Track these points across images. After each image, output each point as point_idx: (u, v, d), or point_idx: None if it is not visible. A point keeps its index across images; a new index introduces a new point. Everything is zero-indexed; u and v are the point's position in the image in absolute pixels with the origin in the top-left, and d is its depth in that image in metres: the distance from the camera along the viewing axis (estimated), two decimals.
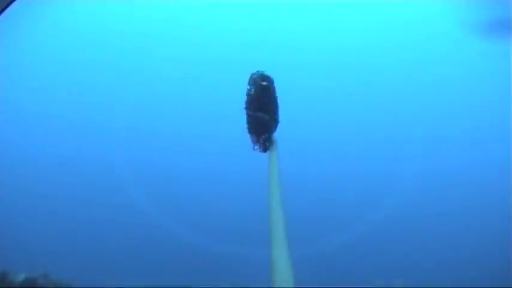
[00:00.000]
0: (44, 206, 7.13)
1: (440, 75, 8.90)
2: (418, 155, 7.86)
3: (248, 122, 1.87)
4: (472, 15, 8.65)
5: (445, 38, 8.89)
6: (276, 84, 1.87)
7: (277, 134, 1.91)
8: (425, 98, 8.77)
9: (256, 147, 1.88)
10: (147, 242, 6.80)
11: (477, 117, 8.44)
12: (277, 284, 0.89)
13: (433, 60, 9.06)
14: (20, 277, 3.47)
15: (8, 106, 8.43)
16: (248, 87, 1.86)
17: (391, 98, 8.85)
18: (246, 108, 1.89)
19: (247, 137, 1.89)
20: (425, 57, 9.05)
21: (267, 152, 1.77)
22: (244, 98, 1.85)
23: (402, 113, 8.56)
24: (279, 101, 1.91)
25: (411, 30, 9.23)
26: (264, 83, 1.81)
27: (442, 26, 8.90)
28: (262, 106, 1.81)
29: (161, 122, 9.31)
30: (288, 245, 1.02)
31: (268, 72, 1.87)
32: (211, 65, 9.55)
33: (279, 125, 1.91)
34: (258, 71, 1.87)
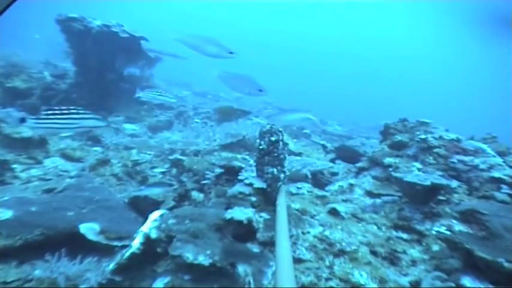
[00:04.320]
0: None
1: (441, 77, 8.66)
2: None
3: (258, 176, 1.94)
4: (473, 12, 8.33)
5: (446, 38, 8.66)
6: None
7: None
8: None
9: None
10: None
11: (477, 117, 8.35)
12: None
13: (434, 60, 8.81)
14: None
15: None
16: (258, 141, 1.92)
17: (391, 99, 8.67)
18: (256, 161, 1.97)
19: None
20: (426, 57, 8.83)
21: (277, 198, 1.78)
22: None
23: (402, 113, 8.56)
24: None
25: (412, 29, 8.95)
26: (273, 138, 1.86)
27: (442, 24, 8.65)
28: (272, 159, 1.87)
29: None
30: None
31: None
32: None
33: None
34: (268, 124, 1.94)
